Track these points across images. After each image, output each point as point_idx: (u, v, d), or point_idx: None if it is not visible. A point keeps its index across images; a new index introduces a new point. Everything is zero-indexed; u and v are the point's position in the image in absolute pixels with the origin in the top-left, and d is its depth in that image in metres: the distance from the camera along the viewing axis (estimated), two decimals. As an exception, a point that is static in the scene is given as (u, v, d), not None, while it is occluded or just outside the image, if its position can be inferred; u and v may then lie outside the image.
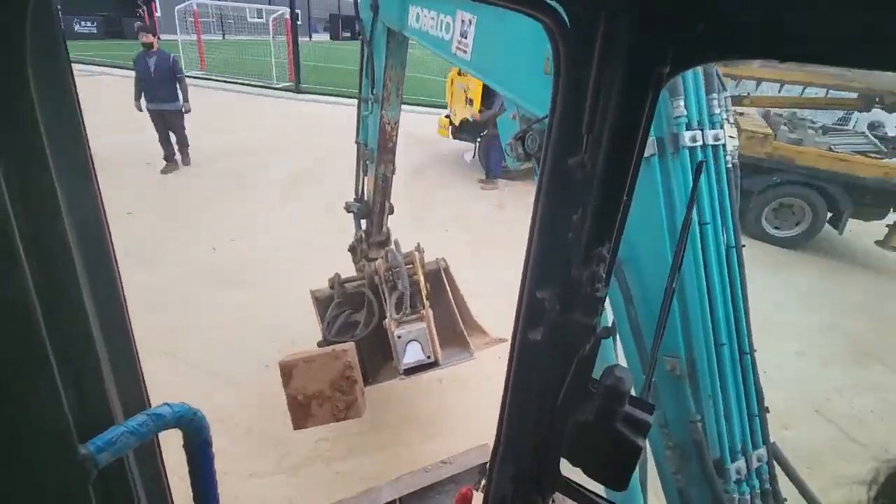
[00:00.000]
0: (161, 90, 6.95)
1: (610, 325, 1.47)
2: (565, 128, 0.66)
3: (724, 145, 1.43)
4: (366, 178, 3.64)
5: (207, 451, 0.79)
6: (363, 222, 3.74)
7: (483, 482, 0.96)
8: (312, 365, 2.47)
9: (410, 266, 3.12)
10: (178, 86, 7.02)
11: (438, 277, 3.45)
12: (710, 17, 0.54)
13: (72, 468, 0.63)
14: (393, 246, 3.31)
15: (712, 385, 1.46)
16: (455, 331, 3.30)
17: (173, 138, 7.45)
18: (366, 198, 3.67)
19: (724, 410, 1.48)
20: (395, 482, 1.86)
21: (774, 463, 1.59)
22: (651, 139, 1.28)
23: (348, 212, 3.79)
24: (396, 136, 3.33)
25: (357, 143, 3.59)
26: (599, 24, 0.59)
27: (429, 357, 2.85)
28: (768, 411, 1.58)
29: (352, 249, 3.87)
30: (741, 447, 1.53)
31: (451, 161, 9.51)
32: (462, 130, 8.90)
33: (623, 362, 1.53)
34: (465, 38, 1.90)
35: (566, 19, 0.61)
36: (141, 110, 7.15)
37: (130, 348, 0.79)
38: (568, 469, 0.80)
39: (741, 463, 1.51)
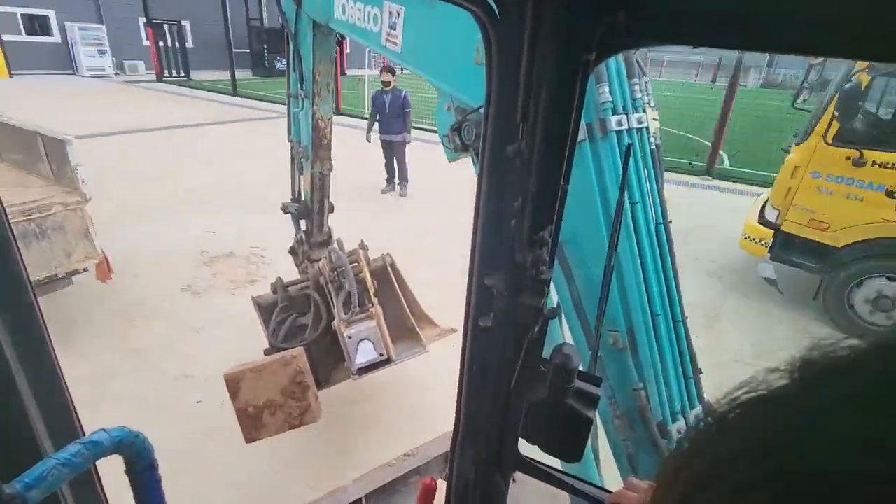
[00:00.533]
0: (393, 123, 7.81)
1: (555, 305, 1.51)
2: (501, 116, 0.67)
3: (647, 128, 1.49)
4: (301, 178, 3.48)
5: (153, 476, 0.74)
6: (302, 223, 3.61)
7: (446, 471, 0.97)
8: (261, 374, 2.35)
9: (356, 264, 3.04)
10: (404, 119, 7.83)
11: (385, 273, 3.39)
12: (631, 6, 0.56)
13: None
14: (336, 245, 3.22)
15: (651, 354, 1.54)
16: (406, 325, 3.28)
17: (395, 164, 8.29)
18: (303, 198, 3.51)
19: (663, 376, 1.57)
20: (360, 481, 1.83)
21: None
22: (581, 125, 1.31)
23: (285, 213, 3.61)
24: (331, 132, 3.21)
25: (290, 141, 3.43)
26: (527, 13, 0.60)
27: (381, 354, 2.81)
28: (701, 373, 1.69)
29: (293, 252, 3.75)
30: (680, 409, 1.63)
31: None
32: (800, 251, 4.92)
33: (569, 340, 1.60)
34: (394, 29, 1.86)
35: (495, 9, 0.62)
36: (370, 141, 8.07)
37: (54, 372, 0.73)
38: (526, 448, 0.83)
39: (681, 423, 1.61)
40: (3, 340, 0.64)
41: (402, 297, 3.33)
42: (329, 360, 3.12)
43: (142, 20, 21.75)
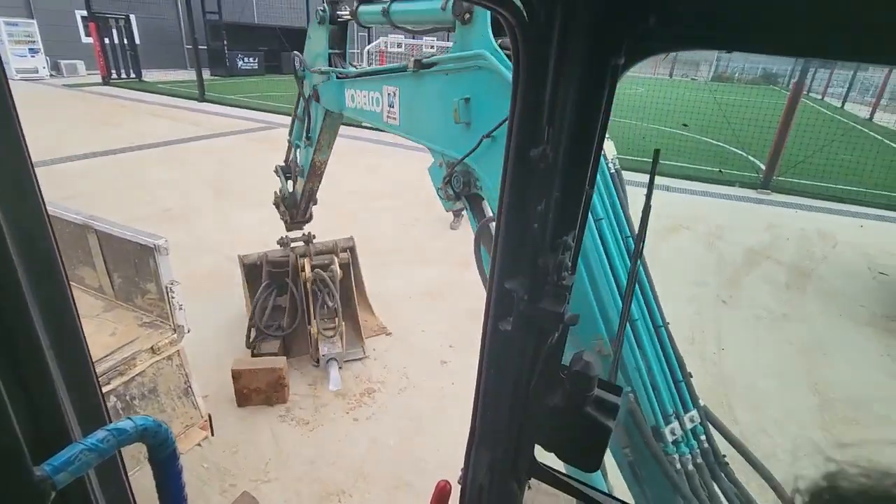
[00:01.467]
0: None
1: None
2: (526, 119, 0.67)
3: (604, 155, 1.63)
4: (298, 153, 4.00)
5: (175, 465, 0.76)
6: (289, 184, 4.21)
7: (460, 475, 0.96)
8: (256, 373, 3.57)
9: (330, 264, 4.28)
10: None
11: (347, 266, 4.54)
12: (662, 9, 0.57)
13: (27, 492, 0.58)
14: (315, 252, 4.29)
15: (635, 358, 1.60)
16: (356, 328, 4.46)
17: None
18: (288, 193, 4.20)
19: (650, 380, 1.63)
20: None
21: (710, 425, 1.74)
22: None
23: (276, 174, 4.21)
24: (325, 168, 3.83)
25: (288, 140, 3.97)
26: (556, 16, 0.60)
27: (340, 368, 4.05)
28: (692, 376, 1.74)
29: (276, 205, 4.38)
30: (673, 411, 1.68)
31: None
32: None
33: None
34: (392, 107, 2.24)
35: (524, 12, 0.62)
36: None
37: (85, 359, 0.74)
38: (542, 455, 0.82)
39: (675, 425, 1.66)
40: (38, 327, 0.65)
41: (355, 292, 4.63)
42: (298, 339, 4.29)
43: (79, 14, 20.15)
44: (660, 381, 1.65)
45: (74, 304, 0.72)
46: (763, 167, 10.40)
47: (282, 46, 24.43)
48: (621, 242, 1.65)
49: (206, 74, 18.85)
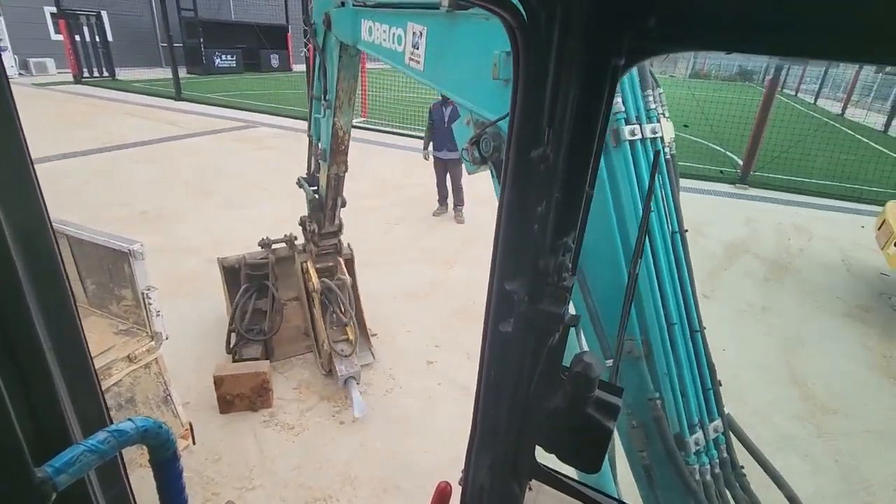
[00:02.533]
0: (450, 139, 6.86)
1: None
2: (527, 121, 0.67)
3: (661, 138, 1.51)
4: (315, 159, 3.86)
5: (175, 466, 0.77)
6: (313, 195, 3.99)
7: (461, 476, 0.95)
8: (239, 379, 3.49)
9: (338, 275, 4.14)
10: None
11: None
12: (663, 10, 0.56)
13: (28, 493, 0.58)
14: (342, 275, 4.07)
15: (667, 363, 1.53)
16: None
17: (449, 184, 7.45)
18: (318, 190, 3.89)
19: (680, 387, 1.55)
20: None
21: (730, 433, 1.68)
22: None
23: (299, 186, 4.06)
24: (349, 140, 3.48)
25: (308, 136, 3.80)
26: (555, 18, 0.60)
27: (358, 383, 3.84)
28: (721, 384, 1.66)
29: (302, 224, 4.17)
30: (698, 420, 1.61)
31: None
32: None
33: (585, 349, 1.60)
34: (417, 48, 1.95)
35: (524, 13, 0.62)
36: (427, 159, 7.28)
37: (86, 361, 0.74)
38: (543, 456, 0.82)
39: (699, 435, 1.59)
40: (39, 328, 0.65)
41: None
42: (280, 341, 4.27)
43: (48, 10, 19.51)
44: (689, 388, 1.58)
45: (75, 304, 0.72)
46: (741, 162, 10.63)
47: (260, 44, 24.12)
48: (668, 237, 1.53)
49: (182, 73, 18.47)
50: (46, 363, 0.66)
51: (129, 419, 0.69)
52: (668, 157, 1.56)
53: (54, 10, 18.32)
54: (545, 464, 0.84)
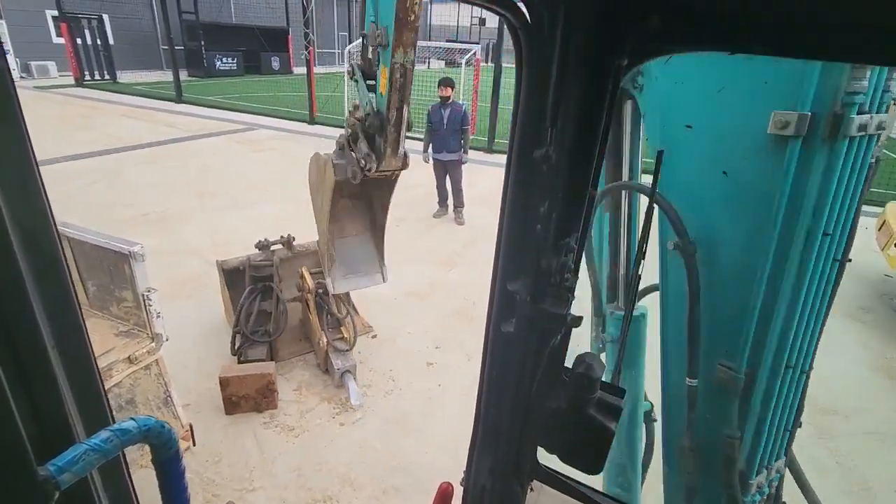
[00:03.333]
0: (449, 141, 6.99)
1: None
2: (529, 120, 0.67)
3: (878, 136, 1.16)
4: (358, 85, 2.80)
5: (177, 466, 0.77)
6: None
7: (463, 476, 0.95)
8: (245, 380, 3.50)
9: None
10: (462, 136, 7.04)
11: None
12: (666, 10, 0.56)
13: (31, 492, 0.58)
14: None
15: (764, 406, 1.35)
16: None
17: (449, 186, 7.44)
18: (374, 106, 2.69)
19: (766, 429, 1.38)
20: None
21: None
22: (795, 115, 1.04)
23: (352, 78, 2.88)
24: (420, 7, 2.44)
25: (363, 34, 2.73)
26: (559, 18, 0.60)
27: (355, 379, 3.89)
28: (800, 426, 1.49)
29: (349, 141, 2.82)
30: (766, 462, 1.46)
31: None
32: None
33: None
34: None
35: (526, 13, 0.62)
36: (427, 161, 7.21)
37: (89, 359, 0.74)
38: (544, 457, 0.82)
39: (763, 477, 1.45)
40: (42, 328, 0.65)
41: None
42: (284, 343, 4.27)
43: (50, 14, 19.48)
44: (773, 431, 1.41)
45: (78, 303, 0.72)
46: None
47: (261, 46, 24.16)
48: (827, 268, 1.24)
49: (183, 75, 18.48)
50: (50, 362, 0.66)
51: (132, 418, 0.69)
52: (873, 160, 1.19)
53: (56, 13, 18.33)
54: (547, 465, 0.84)
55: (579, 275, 0.75)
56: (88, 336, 0.74)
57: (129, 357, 2.53)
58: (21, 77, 19.16)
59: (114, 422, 0.71)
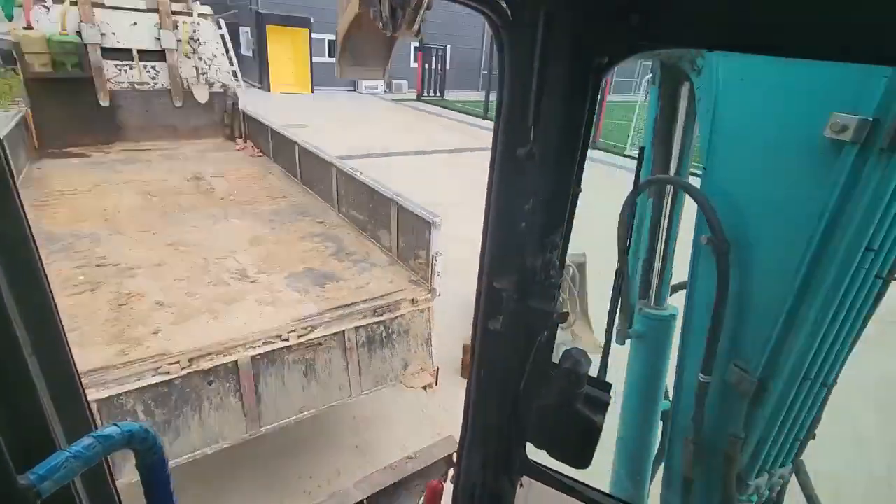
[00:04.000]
0: None
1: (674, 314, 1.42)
2: (512, 118, 0.68)
3: None
4: None
5: (163, 471, 0.76)
6: None
7: (451, 474, 0.98)
8: None
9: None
10: None
11: None
12: (644, 9, 0.55)
13: (11, 500, 0.57)
14: None
15: (774, 414, 1.27)
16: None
17: None
18: None
19: (772, 434, 1.29)
20: (362, 482, 1.80)
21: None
22: (855, 119, 0.96)
23: None
24: None
25: None
26: (539, 17, 0.61)
27: None
28: (814, 438, 1.38)
29: None
30: (769, 465, 1.38)
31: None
32: None
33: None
34: None
35: (508, 12, 0.63)
36: None
37: (69, 365, 0.73)
38: (534, 452, 0.81)
39: (763, 479, 1.38)
40: (20, 335, 0.65)
41: None
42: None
43: (413, 44, 25.09)
44: (781, 437, 1.32)
45: (57, 309, 0.71)
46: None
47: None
48: (868, 284, 1.11)
49: (493, 96, 21.45)
50: (28, 370, 0.65)
51: (115, 424, 0.67)
52: None
53: (417, 44, 23.74)
54: (535, 460, 0.83)
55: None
56: (68, 343, 0.73)
57: (412, 299, 3.19)
58: (385, 91, 25.65)
59: (96, 428, 0.69)
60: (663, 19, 0.54)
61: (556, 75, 0.63)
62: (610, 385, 0.72)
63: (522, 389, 0.77)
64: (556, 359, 0.75)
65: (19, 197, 0.64)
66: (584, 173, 0.68)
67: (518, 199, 0.70)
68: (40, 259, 0.68)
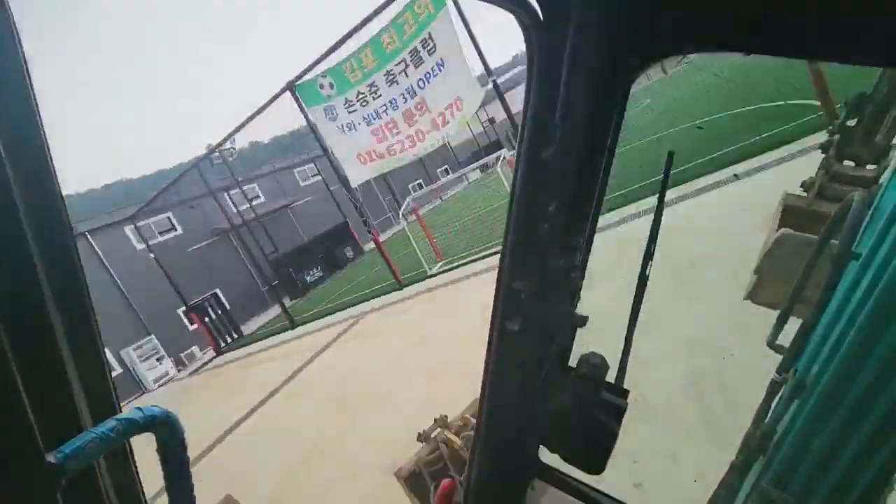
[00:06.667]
0: None
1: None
2: (539, 120, 0.67)
3: None
4: None
5: (182, 456, 0.76)
6: None
7: (465, 474, 0.92)
8: None
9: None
10: None
11: None
12: (677, 11, 0.55)
13: (38, 478, 0.59)
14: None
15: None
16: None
17: None
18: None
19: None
20: None
21: None
22: None
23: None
24: None
25: None
26: (571, 18, 0.60)
27: None
28: None
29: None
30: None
31: None
32: None
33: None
34: None
35: (539, 13, 0.62)
36: None
37: (97, 348, 0.75)
38: (546, 456, 0.81)
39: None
40: (53, 317, 0.66)
41: None
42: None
43: (180, 311, 21.84)
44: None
45: (88, 292, 0.73)
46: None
47: (333, 245, 27.03)
48: None
49: (287, 302, 20.02)
50: (60, 353, 0.68)
51: (138, 408, 0.69)
52: None
53: (183, 308, 19.94)
54: (548, 463, 0.83)
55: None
56: (98, 325, 0.75)
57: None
58: (178, 370, 19.90)
59: (120, 411, 0.71)
60: (696, 22, 0.55)
61: (586, 76, 0.63)
62: (627, 391, 0.73)
63: (538, 391, 0.76)
64: (573, 362, 0.75)
65: (56, 178, 0.68)
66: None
67: (541, 200, 0.69)
68: (75, 242, 0.70)
